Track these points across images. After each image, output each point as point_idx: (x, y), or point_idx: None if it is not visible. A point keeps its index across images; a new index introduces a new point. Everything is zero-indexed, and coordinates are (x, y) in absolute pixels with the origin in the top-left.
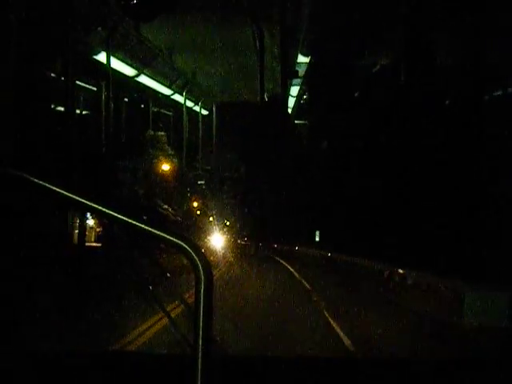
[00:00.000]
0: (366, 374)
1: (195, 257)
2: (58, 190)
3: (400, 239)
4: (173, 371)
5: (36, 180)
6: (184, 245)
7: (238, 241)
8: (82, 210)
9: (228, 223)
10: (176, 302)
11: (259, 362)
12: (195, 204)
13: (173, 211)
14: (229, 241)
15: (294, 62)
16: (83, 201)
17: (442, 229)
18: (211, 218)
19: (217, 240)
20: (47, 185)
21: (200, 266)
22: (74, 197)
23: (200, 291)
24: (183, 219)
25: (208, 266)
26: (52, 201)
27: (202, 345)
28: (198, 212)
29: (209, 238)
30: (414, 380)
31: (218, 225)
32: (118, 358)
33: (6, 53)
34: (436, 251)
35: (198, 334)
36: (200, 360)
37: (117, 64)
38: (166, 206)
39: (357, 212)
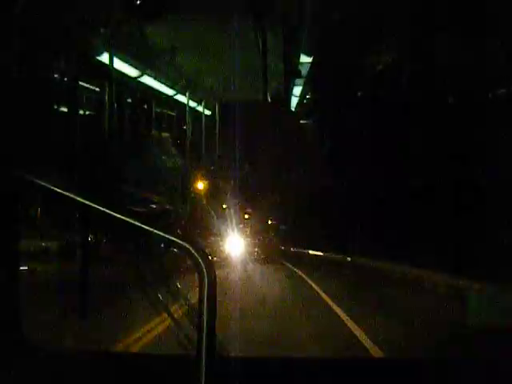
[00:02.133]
0: (373, 375)
1: (199, 258)
2: (61, 191)
3: (403, 237)
4: (176, 372)
5: (39, 181)
6: (188, 246)
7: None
8: (87, 212)
9: (270, 222)
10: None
11: (263, 364)
12: (201, 186)
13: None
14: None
15: (297, 62)
16: (87, 202)
17: (445, 228)
18: (247, 216)
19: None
20: (50, 186)
21: (204, 267)
22: (78, 198)
23: (204, 292)
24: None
25: (212, 267)
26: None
27: (206, 345)
28: (224, 206)
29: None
30: (422, 380)
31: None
32: (120, 358)
33: (7, 53)
34: (440, 250)
35: (202, 335)
36: (204, 360)
37: (120, 64)
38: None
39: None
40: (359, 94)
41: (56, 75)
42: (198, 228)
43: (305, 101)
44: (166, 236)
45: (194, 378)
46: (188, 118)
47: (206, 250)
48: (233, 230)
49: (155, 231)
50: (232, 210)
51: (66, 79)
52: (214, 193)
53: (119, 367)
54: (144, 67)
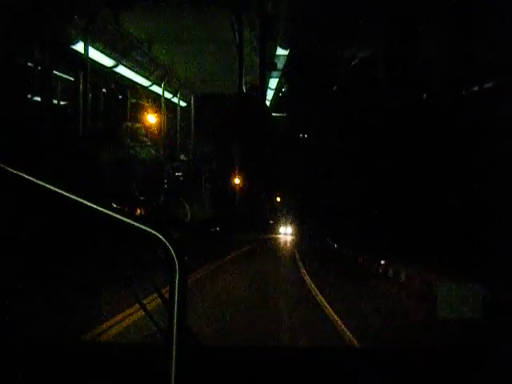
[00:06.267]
0: (354, 365)
1: (170, 247)
2: (28, 177)
3: (378, 232)
4: (147, 361)
5: (8, 168)
6: (157, 234)
7: None
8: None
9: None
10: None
11: (236, 353)
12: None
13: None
14: None
15: (273, 55)
16: (49, 186)
17: (417, 222)
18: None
19: None
20: (14, 171)
21: (175, 256)
22: (44, 184)
23: (174, 283)
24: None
25: (183, 257)
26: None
27: (176, 337)
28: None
29: None
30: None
31: None
32: (90, 347)
33: None
34: (413, 244)
35: (172, 327)
36: (174, 352)
37: (95, 54)
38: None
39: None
40: (334, 87)
41: (30, 64)
42: None
43: (280, 94)
44: (130, 222)
45: (164, 369)
46: (163, 109)
47: None
48: None
49: (117, 215)
50: None
51: (39, 68)
52: None
53: (88, 356)
54: (120, 57)
